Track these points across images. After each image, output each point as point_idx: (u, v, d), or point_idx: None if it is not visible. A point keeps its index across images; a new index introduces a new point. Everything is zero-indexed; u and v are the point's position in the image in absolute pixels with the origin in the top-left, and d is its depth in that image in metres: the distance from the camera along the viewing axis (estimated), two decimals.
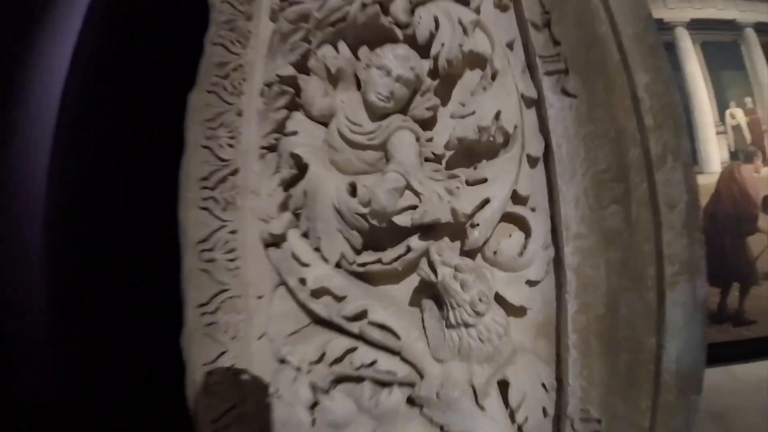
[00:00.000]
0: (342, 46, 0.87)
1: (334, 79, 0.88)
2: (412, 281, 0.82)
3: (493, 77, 0.74)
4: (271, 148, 0.96)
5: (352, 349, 0.81)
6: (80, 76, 1.17)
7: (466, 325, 0.69)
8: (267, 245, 0.94)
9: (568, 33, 0.70)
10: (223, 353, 0.90)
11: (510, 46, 0.77)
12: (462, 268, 0.67)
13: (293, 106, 0.94)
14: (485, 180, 0.71)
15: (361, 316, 0.77)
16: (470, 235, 0.70)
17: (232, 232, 0.96)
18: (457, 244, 0.73)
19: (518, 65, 0.75)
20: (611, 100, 0.65)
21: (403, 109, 0.82)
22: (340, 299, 0.80)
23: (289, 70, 0.91)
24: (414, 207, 0.75)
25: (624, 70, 0.64)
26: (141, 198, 1.18)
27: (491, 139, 0.72)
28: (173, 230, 0.98)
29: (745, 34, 2.19)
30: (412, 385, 0.76)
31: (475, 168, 0.72)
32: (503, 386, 0.71)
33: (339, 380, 0.83)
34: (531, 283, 0.71)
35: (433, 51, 0.78)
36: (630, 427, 0.62)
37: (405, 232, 0.80)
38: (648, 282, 0.61)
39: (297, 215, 0.90)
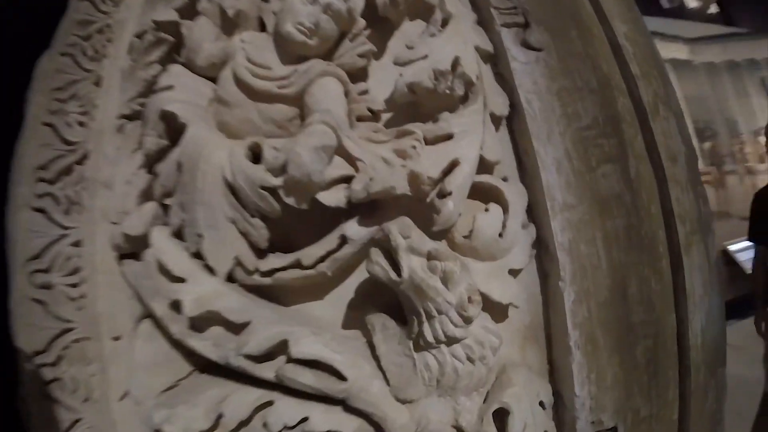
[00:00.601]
0: None
1: (231, 25, 0.63)
2: (342, 293, 0.56)
3: (444, 23, 0.58)
4: (134, 116, 0.63)
5: (266, 405, 0.49)
6: None
7: (450, 341, 0.45)
8: (122, 256, 0.58)
9: None
10: (75, 423, 0.60)
11: None
12: (440, 255, 0.43)
13: (169, 60, 0.64)
14: (450, 136, 0.51)
15: (277, 351, 0.47)
16: (442, 207, 0.48)
17: (76, 244, 0.64)
18: (402, 221, 0.49)
19: (468, 16, 0.61)
20: (589, 51, 0.55)
21: (326, 56, 0.59)
22: (238, 328, 0.48)
23: (171, 15, 0.64)
24: (349, 178, 0.50)
25: (599, 19, 0.54)
26: None
27: (449, 89, 0.53)
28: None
29: None
30: None
31: (435, 121, 0.52)
32: (499, 415, 0.47)
33: None
34: (513, 273, 0.52)
35: None
36: (658, 425, 0.45)
37: (333, 218, 0.54)
38: (659, 248, 0.48)
39: (165, 206, 0.56)
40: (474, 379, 0.47)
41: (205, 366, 0.58)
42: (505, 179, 0.56)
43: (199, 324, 0.53)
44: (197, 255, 0.55)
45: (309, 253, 0.52)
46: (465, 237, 0.52)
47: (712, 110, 3.18)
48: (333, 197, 0.51)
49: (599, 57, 0.54)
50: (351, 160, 0.51)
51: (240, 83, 0.56)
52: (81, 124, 0.70)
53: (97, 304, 0.63)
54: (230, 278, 0.55)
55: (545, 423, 0.49)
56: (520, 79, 0.57)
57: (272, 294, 0.55)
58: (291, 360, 0.47)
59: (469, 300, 0.45)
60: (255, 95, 0.56)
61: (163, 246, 0.55)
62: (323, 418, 0.48)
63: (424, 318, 0.45)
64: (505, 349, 0.50)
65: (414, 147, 0.50)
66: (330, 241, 0.52)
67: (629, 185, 0.50)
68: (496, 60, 0.60)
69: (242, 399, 0.50)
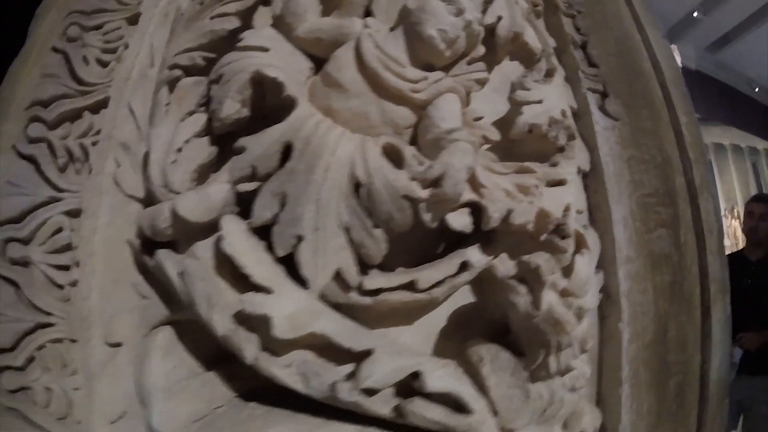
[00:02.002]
0: None
1: (330, 4, 0.57)
2: (436, 319, 0.54)
3: (549, 74, 0.62)
4: (194, 71, 0.51)
5: None
6: None
7: (565, 372, 0.47)
8: (151, 246, 0.45)
9: (607, 59, 0.70)
10: None
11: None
12: (573, 292, 0.46)
13: (247, 17, 0.55)
14: (564, 182, 0.55)
15: (403, 384, 0.41)
16: (567, 248, 0.51)
17: (72, 213, 0.50)
18: (546, 256, 0.51)
19: (560, 72, 0.68)
20: (658, 131, 0.65)
21: (444, 71, 0.58)
22: (351, 357, 0.42)
23: None
24: (473, 204, 0.50)
25: (667, 106, 0.66)
26: None
27: (555, 138, 0.58)
28: None
29: None
30: None
31: (553, 165, 0.56)
32: None
33: None
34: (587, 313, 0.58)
35: (488, 20, 0.60)
36: None
37: (434, 241, 0.53)
38: (695, 301, 0.60)
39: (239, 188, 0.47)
40: (570, 407, 0.50)
41: (251, 392, 0.48)
42: (584, 227, 0.62)
43: (279, 346, 0.44)
44: (283, 260, 0.46)
45: (426, 276, 0.48)
46: (565, 270, 0.56)
47: None
48: (460, 220, 0.49)
49: (665, 138, 0.65)
50: (476, 185, 0.51)
51: (366, 72, 0.50)
52: (102, 63, 0.55)
53: (92, 297, 0.49)
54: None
55: None
56: (600, 142, 0.65)
57: (355, 314, 0.49)
58: (417, 394, 0.43)
59: (589, 336, 0.49)
60: (382, 91, 0.51)
61: (240, 243, 0.45)
62: None
63: (553, 350, 0.47)
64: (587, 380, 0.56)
65: (536, 186, 0.53)
66: (450, 265, 0.49)
67: (678, 248, 0.62)
68: (578, 119, 0.68)
69: None
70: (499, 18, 0.60)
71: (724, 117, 4.05)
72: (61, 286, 0.47)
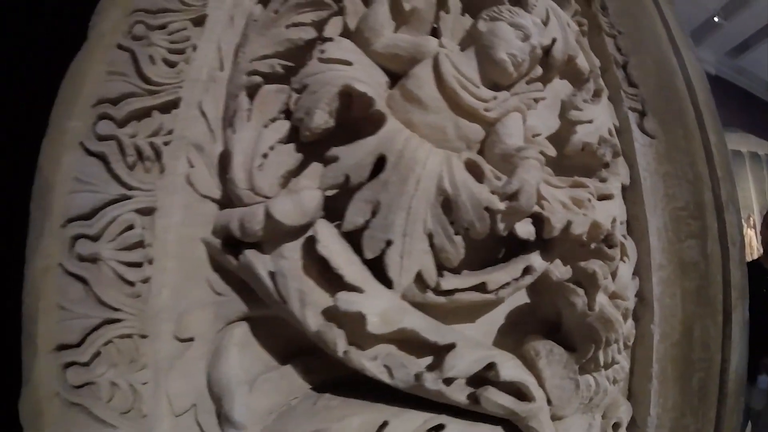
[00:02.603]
0: None
1: (400, 19, 0.61)
2: (495, 318, 0.61)
3: (596, 94, 0.69)
4: (274, 79, 0.55)
5: (435, 428, 0.48)
6: None
7: (610, 365, 0.54)
8: (231, 245, 0.49)
9: (646, 80, 0.77)
10: None
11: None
12: (620, 295, 0.53)
13: (322, 28, 0.59)
14: (611, 196, 0.61)
15: (481, 374, 0.48)
16: (615, 257, 0.57)
17: (144, 211, 0.53)
18: (599, 263, 0.58)
19: (605, 92, 0.74)
20: (690, 149, 0.72)
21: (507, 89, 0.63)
22: (435, 350, 0.48)
23: None
24: (535, 215, 0.56)
25: (699, 126, 0.73)
26: None
27: (604, 154, 0.65)
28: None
29: None
30: None
31: (602, 180, 0.62)
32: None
33: None
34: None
35: (544, 42, 0.66)
36: None
37: (495, 247, 0.59)
38: (718, 306, 0.68)
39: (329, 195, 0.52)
40: (609, 398, 0.58)
41: (323, 384, 0.53)
42: (624, 236, 0.69)
43: (365, 341, 0.49)
44: (370, 262, 0.51)
45: (494, 278, 0.54)
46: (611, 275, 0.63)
47: None
48: (526, 229, 0.55)
49: (696, 156, 0.73)
50: (539, 198, 0.57)
51: (445, 90, 0.55)
52: (169, 63, 0.57)
53: (163, 294, 0.51)
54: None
55: None
56: (640, 158, 0.72)
57: (432, 311, 0.55)
58: (491, 382, 0.49)
59: (631, 335, 0.56)
60: (458, 108, 0.56)
61: (333, 245, 0.49)
62: None
63: (602, 345, 0.53)
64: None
65: (589, 200, 0.59)
66: (515, 269, 0.55)
67: (705, 258, 0.69)
68: (620, 136, 0.74)
69: (409, 424, 0.49)
70: (554, 40, 0.65)
71: (742, 123, 3.93)
72: (131, 283, 0.49)
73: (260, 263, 0.50)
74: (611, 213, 0.61)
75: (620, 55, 0.78)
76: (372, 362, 0.48)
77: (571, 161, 0.66)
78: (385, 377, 0.48)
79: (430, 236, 0.51)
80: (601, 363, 0.53)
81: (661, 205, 0.71)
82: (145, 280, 0.49)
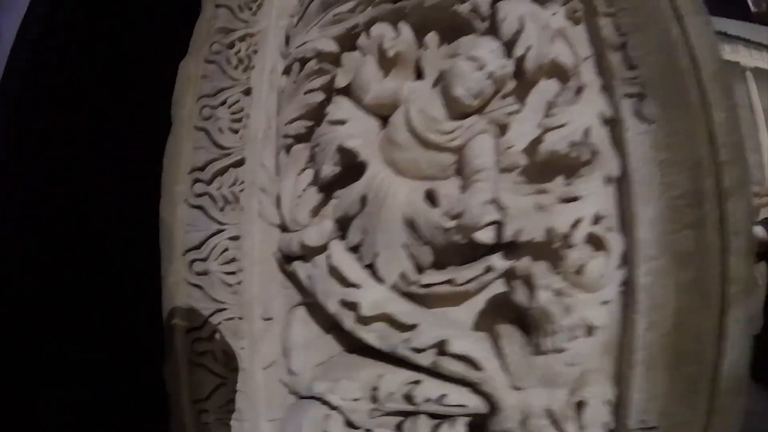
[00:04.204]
0: (404, 27, 0.78)
1: (388, 64, 0.78)
2: (475, 303, 0.79)
3: (579, 91, 0.75)
4: (300, 138, 0.80)
5: (414, 383, 0.73)
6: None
7: (559, 351, 0.69)
8: (288, 258, 0.78)
9: (646, 59, 0.76)
10: (219, 386, 0.80)
11: (585, 60, 0.79)
12: (564, 293, 0.66)
13: (329, 89, 0.80)
14: (577, 198, 0.71)
15: (437, 347, 0.70)
16: (568, 257, 0.70)
17: (234, 238, 0.83)
18: (543, 263, 0.71)
19: (595, 82, 0.78)
20: (691, 132, 0.72)
21: (479, 110, 0.76)
22: (406, 328, 0.71)
23: (332, 46, 0.78)
24: (498, 222, 0.71)
25: (703, 105, 0.71)
26: (104, 192, 0.89)
27: (578, 155, 0.73)
28: (145, 232, 0.78)
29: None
30: (480, 416, 0.73)
31: (568, 185, 0.72)
32: (578, 407, 0.73)
33: (384, 415, 0.74)
34: (604, 304, 0.75)
35: (518, 52, 0.75)
36: (688, 428, 0.70)
37: (471, 251, 0.76)
38: (713, 300, 0.70)
39: (339, 223, 0.77)
40: (568, 378, 0.72)
41: (353, 348, 0.81)
42: (609, 229, 0.77)
43: (364, 319, 0.76)
44: (369, 266, 0.76)
45: (461, 275, 0.74)
46: (576, 272, 0.75)
47: None
48: (486, 236, 0.72)
49: (697, 140, 0.71)
50: (500, 207, 0.72)
51: (413, 132, 0.74)
52: (234, 131, 0.87)
53: (252, 290, 0.84)
54: (393, 287, 0.77)
55: (607, 416, 0.73)
56: (633, 148, 0.75)
57: (419, 298, 0.78)
58: (446, 353, 0.72)
59: (578, 326, 0.69)
60: (426, 143, 0.74)
61: (341, 257, 0.76)
62: (457, 395, 0.73)
63: (546, 334, 0.69)
64: (589, 358, 0.75)
65: (551, 204, 0.71)
66: (478, 267, 0.74)
67: (701, 249, 0.71)
68: (613, 125, 0.78)
69: (395, 377, 0.75)
70: (528, 48, 0.74)
71: None
72: (230, 285, 0.82)
73: (302, 270, 0.81)
74: (577, 214, 0.72)
75: (618, 36, 0.77)
76: (369, 334, 0.76)
77: (552, 163, 0.77)
78: (378, 344, 0.75)
79: (407, 247, 0.74)
80: (547, 349, 0.69)
81: (655, 195, 0.74)
82: (239, 282, 0.84)
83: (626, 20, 0.79)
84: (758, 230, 1.65)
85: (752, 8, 3.17)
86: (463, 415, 0.75)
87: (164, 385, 0.80)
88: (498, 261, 0.73)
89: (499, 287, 0.78)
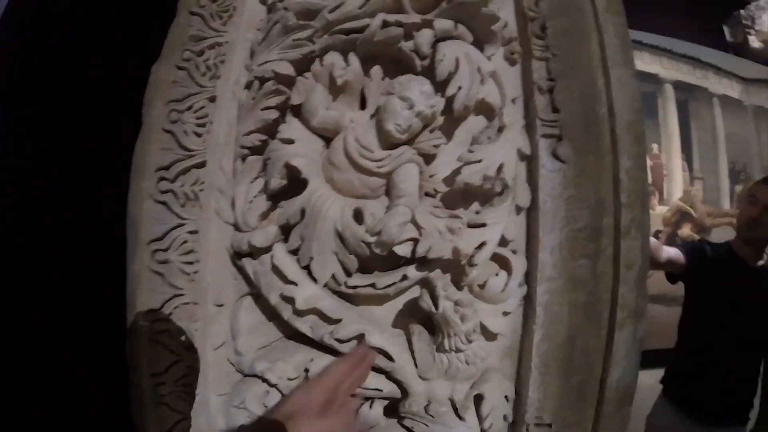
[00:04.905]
0: (353, 58, 0.90)
1: (336, 90, 0.90)
2: (395, 304, 0.93)
3: (500, 130, 0.86)
4: (255, 150, 0.93)
5: None
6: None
7: (457, 350, 0.83)
8: (239, 254, 0.93)
9: (569, 105, 0.86)
10: (175, 362, 0.89)
11: (513, 101, 0.90)
12: (462, 303, 0.79)
13: (283, 108, 0.93)
14: (484, 225, 0.83)
15: (357, 339, 0.85)
16: (469, 273, 0.83)
17: (193, 232, 0.95)
18: (448, 276, 0.84)
19: (519, 121, 0.89)
20: (598, 175, 0.83)
21: (409, 141, 0.88)
22: (333, 321, 0.86)
23: (288, 69, 0.90)
24: (415, 240, 0.84)
25: (612, 152, 0.82)
26: (69, 188, 1.03)
27: (491, 187, 0.84)
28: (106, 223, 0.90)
29: (664, 88, 2.90)
30: (394, 399, 0.88)
31: (477, 213, 0.84)
32: (477, 399, 0.87)
33: None
34: (505, 314, 0.88)
35: (449, 92, 0.86)
36: (578, 430, 0.84)
37: (397, 260, 0.89)
38: (603, 322, 0.83)
39: (282, 228, 0.90)
40: (467, 374, 0.86)
41: (291, 335, 0.96)
42: (514, 251, 0.89)
43: (301, 313, 0.91)
44: (305, 268, 0.91)
45: (381, 280, 0.88)
46: (480, 286, 0.88)
47: (751, 154, 3.38)
48: (403, 250, 0.85)
49: (602, 182, 0.82)
50: (418, 227, 0.85)
51: (349, 156, 0.87)
52: (197, 134, 0.98)
53: (206, 279, 0.95)
54: (325, 286, 0.91)
55: (506, 410, 0.87)
56: (543, 183, 0.87)
57: (349, 299, 0.92)
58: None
59: (473, 331, 0.82)
60: (359, 168, 0.87)
61: (282, 258, 0.91)
62: (373, 380, 0.87)
63: (445, 335, 0.83)
64: (490, 360, 0.88)
65: (460, 228, 0.84)
66: (396, 276, 0.87)
67: (594, 277, 0.83)
68: (530, 161, 0.89)
69: (323, 361, 0.89)
70: (459, 88, 0.86)
71: None
72: (188, 273, 0.92)
73: (249, 266, 0.96)
74: (482, 238, 0.85)
75: (547, 81, 0.88)
76: (303, 324, 0.91)
77: (471, 191, 0.89)
78: (310, 334, 0.90)
79: (336, 254, 0.88)
80: (447, 348, 0.83)
81: (559, 226, 0.86)
82: (196, 272, 0.98)
83: (557, 66, 0.90)
84: (671, 252, 1.72)
85: (728, 38, 3.24)
86: (381, 398, 0.89)
87: (125, 359, 0.88)
88: (413, 271, 0.86)
89: (415, 292, 0.92)
